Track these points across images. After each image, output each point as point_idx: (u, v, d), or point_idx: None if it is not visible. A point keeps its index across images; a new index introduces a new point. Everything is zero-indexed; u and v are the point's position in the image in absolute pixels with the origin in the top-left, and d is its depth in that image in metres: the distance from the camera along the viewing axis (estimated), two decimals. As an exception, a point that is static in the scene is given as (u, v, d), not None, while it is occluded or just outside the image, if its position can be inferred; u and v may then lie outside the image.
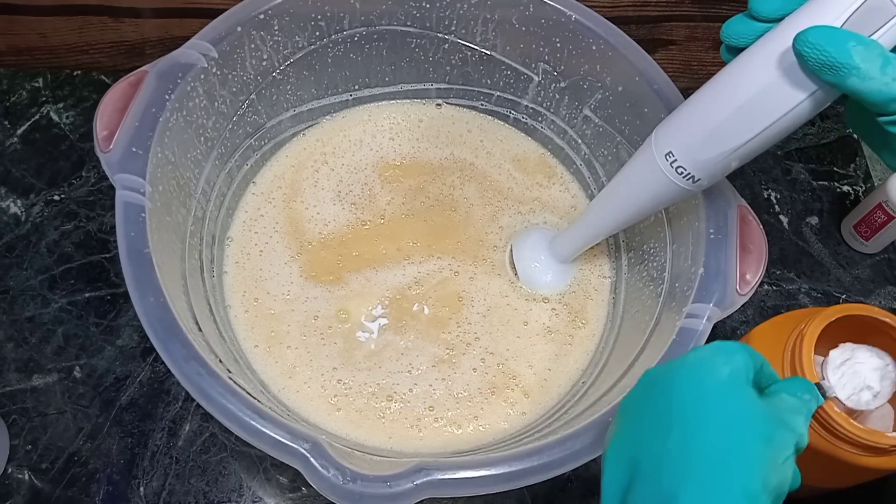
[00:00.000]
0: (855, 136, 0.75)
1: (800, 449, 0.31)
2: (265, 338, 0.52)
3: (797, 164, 0.73)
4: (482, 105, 0.63)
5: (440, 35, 0.57)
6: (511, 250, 0.57)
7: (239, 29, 0.49)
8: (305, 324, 0.53)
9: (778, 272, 0.67)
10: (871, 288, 0.67)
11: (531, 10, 0.54)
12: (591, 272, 0.58)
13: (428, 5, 0.55)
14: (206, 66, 0.48)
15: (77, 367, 0.56)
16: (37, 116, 0.68)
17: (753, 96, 0.35)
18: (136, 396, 0.56)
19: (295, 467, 0.37)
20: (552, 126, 0.62)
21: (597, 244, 0.55)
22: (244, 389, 0.39)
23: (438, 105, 0.64)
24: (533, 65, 0.58)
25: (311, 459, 0.37)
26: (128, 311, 0.59)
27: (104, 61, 0.73)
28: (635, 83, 0.52)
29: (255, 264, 0.55)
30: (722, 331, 0.63)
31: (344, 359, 0.52)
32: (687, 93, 0.42)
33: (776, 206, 0.71)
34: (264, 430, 0.37)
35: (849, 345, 0.44)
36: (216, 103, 0.51)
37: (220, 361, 0.42)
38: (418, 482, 0.37)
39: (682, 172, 0.41)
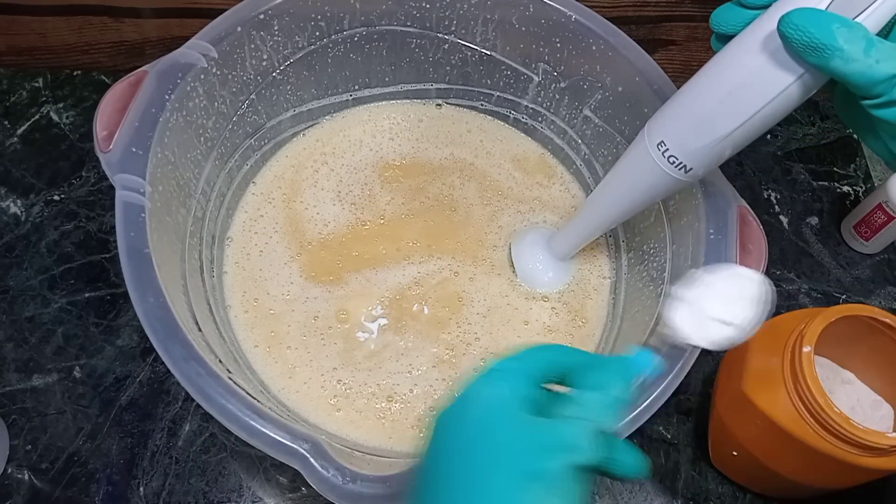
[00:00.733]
0: (849, 130, 0.75)
1: (588, 465, 0.28)
2: (265, 338, 0.52)
3: (797, 165, 0.73)
4: (482, 105, 0.63)
5: (440, 35, 0.57)
6: (510, 249, 0.58)
7: (239, 29, 0.49)
8: (305, 324, 0.53)
9: (778, 272, 0.67)
10: (871, 288, 0.67)
11: (531, 10, 0.54)
12: (591, 272, 0.58)
13: (428, 5, 0.55)
14: (206, 66, 0.48)
15: (77, 367, 0.56)
16: (37, 116, 0.68)
17: (741, 82, 0.36)
18: (135, 396, 0.56)
19: (295, 467, 0.37)
20: (552, 126, 0.62)
21: (597, 244, 0.54)
22: (244, 389, 0.39)
23: (438, 105, 0.64)
24: (533, 65, 0.58)
25: (311, 460, 0.37)
26: (128, 311, 0.59)
27: (104, 61, 0.73)
28: (635, 83, 0.52)
29: (255, 264, 0.55)
30: (722, 331, 0.63)
31: (344, 359, 0.52)
32: (687, 93, 0.42)
33: (776, 207, 0.71)
34: (264, 430, 0.37)
35: (699, 271, 0.35)
36: (216, 103, 0.51)
37: (220, 361, 0.42)
38: (418, 482, 0.37)
39: (674, 162, 0.41)
